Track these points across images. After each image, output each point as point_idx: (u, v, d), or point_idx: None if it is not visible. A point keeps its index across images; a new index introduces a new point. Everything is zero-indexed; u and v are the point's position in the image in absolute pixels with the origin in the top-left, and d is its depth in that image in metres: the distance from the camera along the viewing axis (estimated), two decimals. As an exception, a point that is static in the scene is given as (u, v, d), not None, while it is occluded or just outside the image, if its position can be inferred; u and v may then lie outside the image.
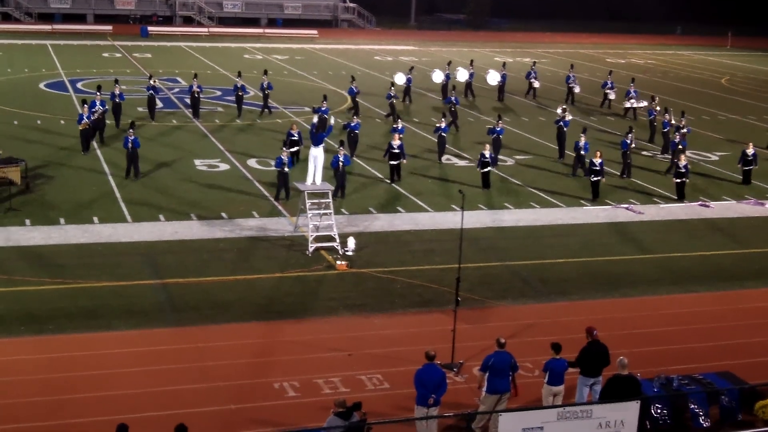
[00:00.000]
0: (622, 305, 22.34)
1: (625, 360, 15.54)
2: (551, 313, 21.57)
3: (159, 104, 42.56)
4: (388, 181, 31.83)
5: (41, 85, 49.00)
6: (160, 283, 22.27)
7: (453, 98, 41.40)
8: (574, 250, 26.12)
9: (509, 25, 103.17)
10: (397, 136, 32.28)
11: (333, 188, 26.22)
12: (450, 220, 27.95)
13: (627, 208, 30.38)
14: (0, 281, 21.81)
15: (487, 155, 31.57)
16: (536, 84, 50.91)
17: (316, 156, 26.07)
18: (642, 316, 21.72)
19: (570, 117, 39.15)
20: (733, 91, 59.61)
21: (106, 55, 63.64)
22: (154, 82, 41.33)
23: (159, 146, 36.00)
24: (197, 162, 33.74)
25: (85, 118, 34.18)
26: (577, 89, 50.01)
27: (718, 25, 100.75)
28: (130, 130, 31.20)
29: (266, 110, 42.16)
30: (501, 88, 50.03)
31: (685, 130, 36.36)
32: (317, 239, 24.81)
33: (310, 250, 24.52)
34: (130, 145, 30.93)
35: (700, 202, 31.56)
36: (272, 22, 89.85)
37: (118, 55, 63.90)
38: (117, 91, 38.67)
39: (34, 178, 30.14)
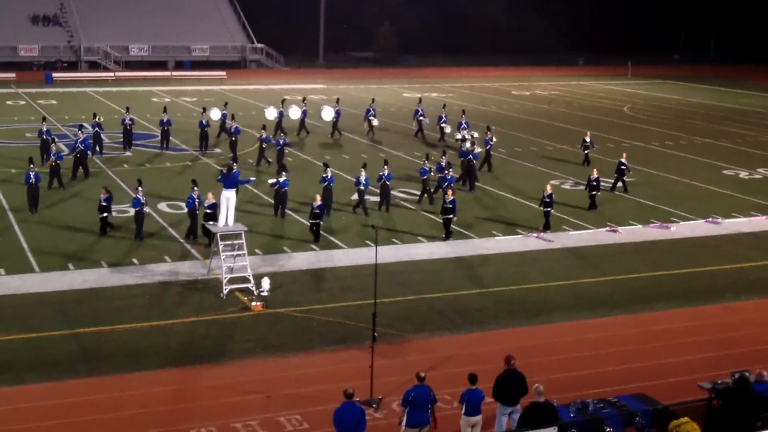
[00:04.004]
0: (538, 333, 22.57)
1: (541, 387, 15.68)
2: (468, 345, 21.67)
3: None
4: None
5: (-58, 136, 47.82)
6: (71, 333, 21.74)
7: (266, 137, 41.20)
8: (488, 281, 26.35)
9: (417, 61, 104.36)
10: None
11: (246, 229, 26.00)
12: (365, 255, 27.96)
13: (537, 237, 30.82)
14: None
15: (316, 205, 29.71)
16: (375, 122, 51.21)
17: (229, 198, 25.88)
18: (557, 342, 21.97)
19: (479, 150, 39.67)
20: (635, 118, 61.19)
21: (9, 102, 62.35)
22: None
23: (67, 192, 35.35)
24: (107, 208, 33.20)
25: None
26: (448, 129, 49.63)
27: (618, 55, 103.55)
28: (31, 166, 32.47)
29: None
30: (334, 124, 50.58)
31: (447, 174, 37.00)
32: (231, 281, 24.56)
33: (225, 292, 24.25)
34: (32, 180, 31.99)
35: (607, 228, 32.19)
36: (180, 65, 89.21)
37: (23, 102, 62.67)
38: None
39: (-64, 231, 29.28)
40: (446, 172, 33.80)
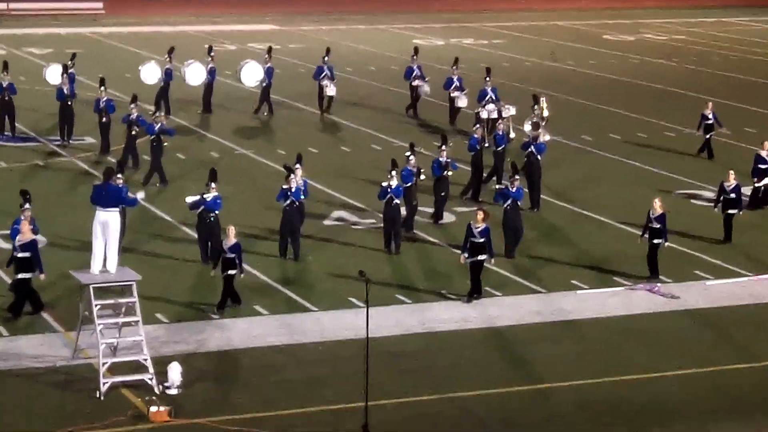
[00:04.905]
0: (652, 458, 22.68)
1: None
2: (530, 479, 21.78)
3: None
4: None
5: None
6: None
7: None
8: (566, 366, 26.35)
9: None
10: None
11: (139, 278, 25.99)
12: (349, 323, 28.03)
13: (651, 290, 30.88)
14: None
15: (228, 245, 29.58)
16: (330, 90, 51.90)
17: (106, 223, 25.76)
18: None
19: (548, 137, 39.81)
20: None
21: None
22: None
23: None
24: None
25: None
26: (462, 102, 50.11)
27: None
28: None
29: None
30: (264, 92, 51.59)
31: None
32: (115, 369, 24.56)
33: (103, 388, 24.22)
34: None
35: (772, 275, 32.40)
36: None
37: None
38: None
39: None
40: (511, 181, 33.80)
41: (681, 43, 74.45)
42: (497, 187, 36.52)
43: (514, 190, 33.44)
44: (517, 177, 34.16)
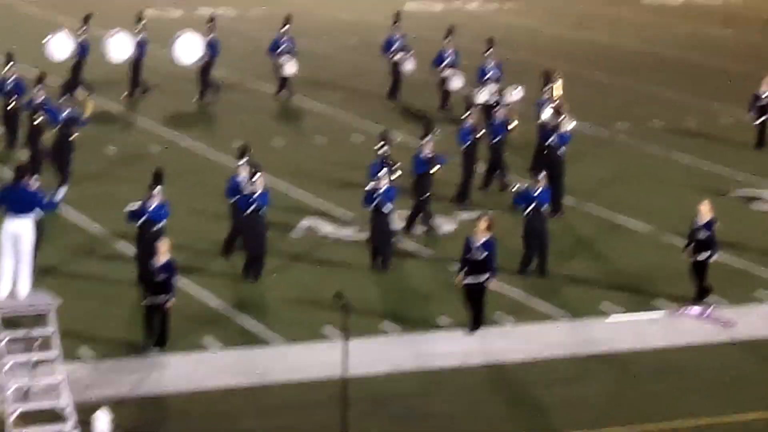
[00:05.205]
0: None
1: None
2: None
3: None
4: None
5: None
6: None
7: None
8: (593, 411, 26.54)
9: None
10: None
11: (57, 303, 26.04)
12: (322, 359, 28.08)
13: (700, 315, 31.03)
14: None
15: (159, 264, 30.03)
16: (290, 68, 52.36)
17: (18, 236, 25.79)
18: None
19: (572, 125, 39.93)
20: None
21: None
22: None
23: None
24: None
25: None
26: (457, 83, 50.71)
27: None
28: None
29: None
30: (203, 70, 51.96)
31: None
32: (26, 418, 24.66)
33: (13, 443, 24.40)
34: None
35: None
36: None
37: None
38: None
39: None
40: (534, 180, 33.96)
41: (740, 8, 74.62)
42: (513, 188, 36.61)
43: (538, 192, 33.64)
44: (541, 176, 34.45)
